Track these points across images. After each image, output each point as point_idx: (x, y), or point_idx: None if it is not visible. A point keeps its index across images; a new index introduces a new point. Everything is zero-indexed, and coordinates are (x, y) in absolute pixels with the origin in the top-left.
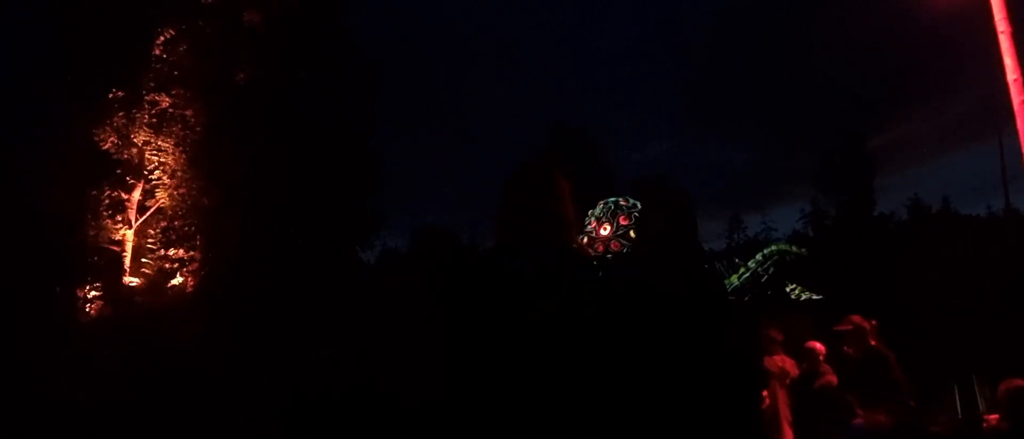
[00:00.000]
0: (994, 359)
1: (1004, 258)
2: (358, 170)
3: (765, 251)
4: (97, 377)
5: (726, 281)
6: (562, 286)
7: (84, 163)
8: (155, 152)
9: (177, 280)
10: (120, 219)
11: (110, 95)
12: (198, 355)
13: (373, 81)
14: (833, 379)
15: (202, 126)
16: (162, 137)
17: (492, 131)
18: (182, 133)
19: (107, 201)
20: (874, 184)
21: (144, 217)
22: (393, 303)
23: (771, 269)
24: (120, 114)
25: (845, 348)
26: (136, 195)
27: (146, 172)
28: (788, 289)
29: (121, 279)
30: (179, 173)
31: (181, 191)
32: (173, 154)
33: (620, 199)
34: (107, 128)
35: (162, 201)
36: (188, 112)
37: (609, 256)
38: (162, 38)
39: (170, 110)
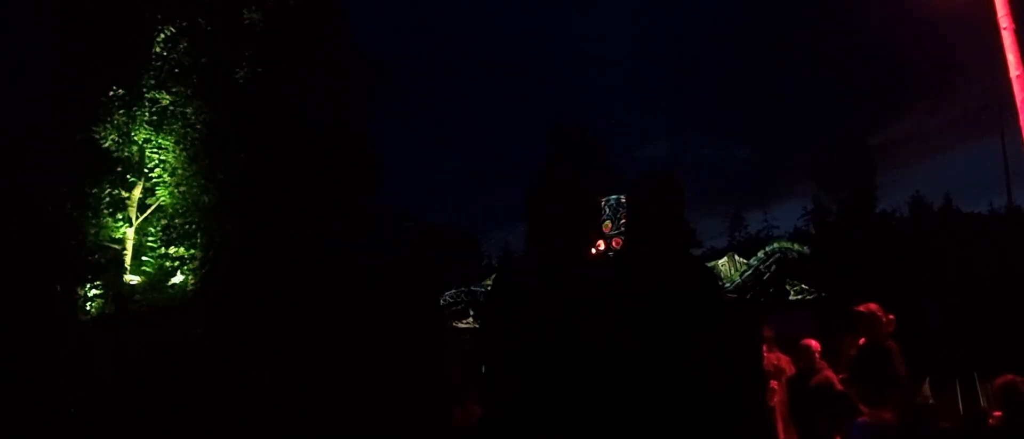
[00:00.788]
0: (996, 356)
1: (1006, 255)
2: (357, 169)
3: (767, 248)
4: (97, 375)
5: (728, 278)
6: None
7: (84, 161)
8: (156, 150)
9: (177, 278)
10: (120, 217)
11: (110, 93)
12: (198, 354)
13: (372, 80)
14: (830, 376)
15: (203, 124)
16: (162, 135)
17: (493, 130)
18: (183, 131)
19: (107, 199)
20: (876, 181)
21: (144, 215)
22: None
23: (773, 266)
24: (120, 112)
25: (855, 335)
26: (136, 193)
27: (146, 170)
28: (788, 287)
29: (121, 277)
30: (180, 171)
31: (181, 189)
32: (173, 152)
33: (622, 197)
34: (107, 126)
35: (162, 199)
36: (188, 110)
37: (610, 254)
38: (163, 36)
39: (171, 108)
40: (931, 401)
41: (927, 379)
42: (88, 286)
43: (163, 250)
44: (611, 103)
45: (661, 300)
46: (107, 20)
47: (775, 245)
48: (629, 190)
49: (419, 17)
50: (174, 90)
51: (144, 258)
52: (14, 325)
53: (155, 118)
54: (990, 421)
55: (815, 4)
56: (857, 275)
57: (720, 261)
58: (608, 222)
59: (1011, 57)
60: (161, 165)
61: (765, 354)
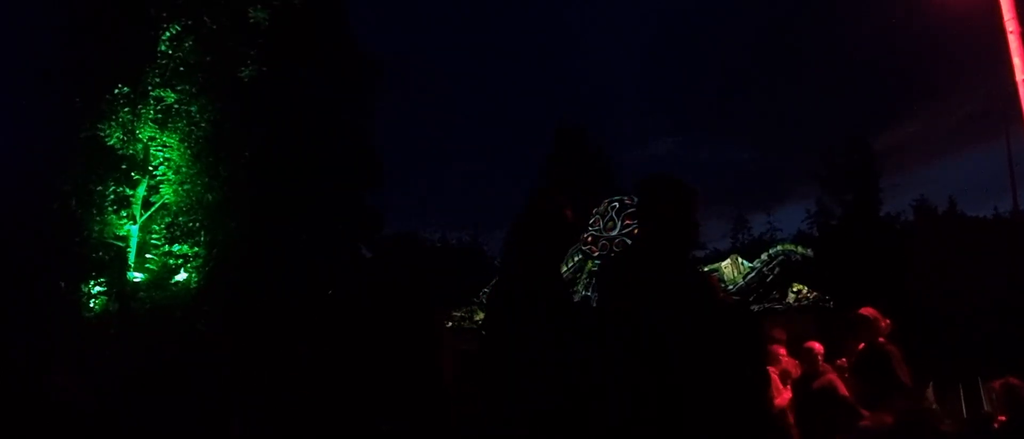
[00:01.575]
0: (1000, 361)
1: (1011, 260)
2: (361, 167)
3: (771, 251)
4: (100, 373)
5: (731, 280)
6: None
7: (89, 158)
8: (160, 148)
9: (181, 276)
10: (124, 214)
11: (115, 90)
12: (202, 351)
13: (375, 79)
14: (833, 379)
15: (207, 122)
16: (167, 133)
17: (495, 129)
18: (187, 129)
19: (112, 196)
20: (880, 184)
21: (148, 213)
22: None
23: (776, 269)
24: (125, 109)
25: (854, 340)
26: (141, 191)
27: (151, 168)
28: (794, 290)
29: (125, 275)
30: (184, 169)
31: (186, 187)
32: (178, 150)
33: (625, 198)
34: (112, 123)
35: (167, 197)
36: (193, 108)
37: (613, 255)
38: (168, 34)
39: (175, 106)
40: (934, 405)
41: (931, 383)
42: (92, 283)
43: (167, 248)
44: (614, 104)
45: (659, 303)
46: (112, 17)
47: (779, 248)
48: (636, 190)
49: (421, 17)
50: (179, 88)
51: (148, 256)
52: (18, 321)
53: (160, 116)
54: (994, 425)
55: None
56: (861, 278)
57: (723, 263)
58: (611, 223)
59: (1017, 60)
60: (165, 163)
61: (782, 356)
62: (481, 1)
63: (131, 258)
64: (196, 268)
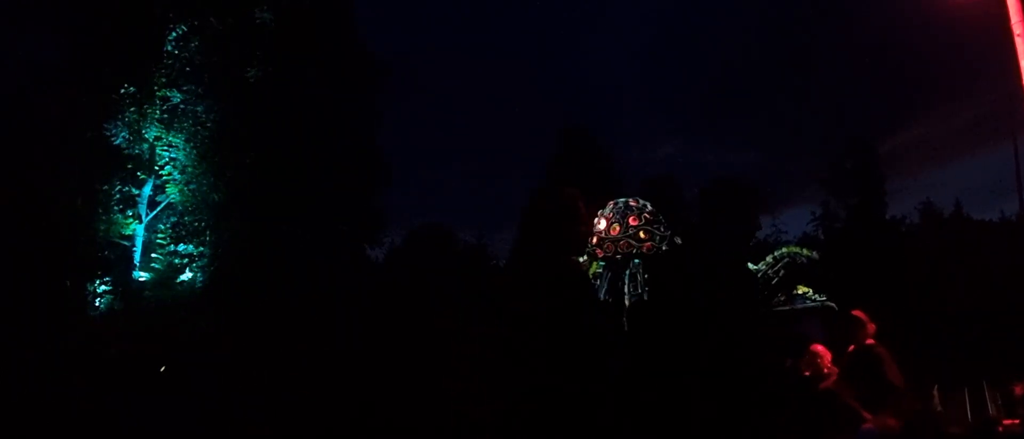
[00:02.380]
0: (1005, 363)
1: (1017, 263)
2: (366, 168)
3: (776, 253)
4: (106, 371)
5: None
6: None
7: (95, 158)
8: (166, 148)
9: (186, 275)
10: (130, 214)
11: (122, 90)
12: (207, 350)
13: (380, 80)
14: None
15: (213, 122)
16: (173, 133)
17: (499, 130)
18: (193, 129)
19: (118, 196)
20: (885, 187)
21: (154, 212)
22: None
23: (781, 272)
24: (132, 109)
25: (845, 342)
26: (147, 190)
27: (157, 167)
28: (799, 292)
29: (131, 274)
30: (189, 169)
31: (191, 187)
32: (184, 150)
33: (630, 200)
34: (119, 123)
35: (172, 196)
36: (199, 108)
37: (618, 257)
38: (174, 34)
39: (181, 106)
40: (939, 408)
41: (936, 386)
42: (97, 282)
43: (172, 247)
44: (619, 105)
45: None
46: (119, 18)
47: (784, 250)
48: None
49: (426, 18)
50: (185, 88)
51: (153, 255)
52: (25, 319)
53: (166, 116)
54: (999, 429)
55: (825, 9)
56: (867, 281)
57: None
58: (616, 225)
59: None
60: (171, 163)
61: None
62: (482, 1)
63: (137, 257)
64: (201, 267)
